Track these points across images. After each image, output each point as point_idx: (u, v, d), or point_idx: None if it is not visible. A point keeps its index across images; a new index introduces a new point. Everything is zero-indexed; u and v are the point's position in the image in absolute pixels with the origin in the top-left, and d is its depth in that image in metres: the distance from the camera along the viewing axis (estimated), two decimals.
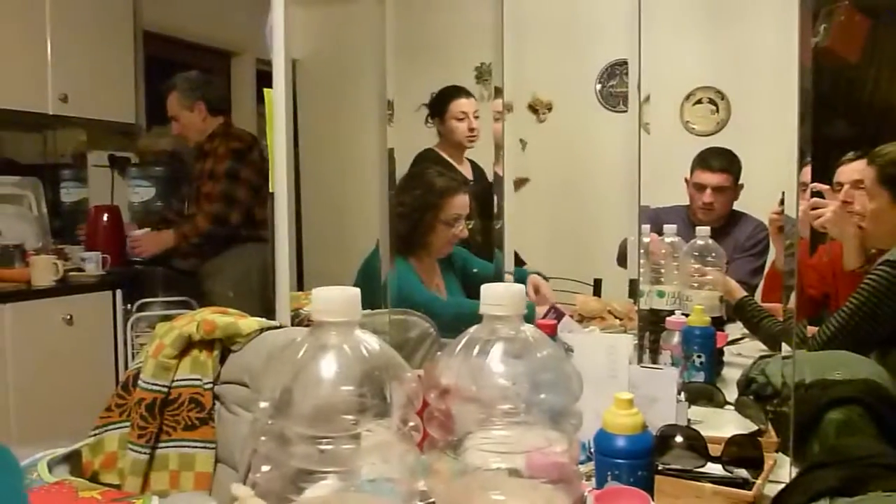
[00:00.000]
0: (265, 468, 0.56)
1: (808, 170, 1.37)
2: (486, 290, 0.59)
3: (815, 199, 1.93)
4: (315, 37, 2.16)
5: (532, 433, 0.66)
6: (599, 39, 3.42)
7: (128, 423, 1.33)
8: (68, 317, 2.86)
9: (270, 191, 1.61)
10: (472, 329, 0.60)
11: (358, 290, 0.58)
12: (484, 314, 0.59)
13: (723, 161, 2.48)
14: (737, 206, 2.59)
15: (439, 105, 2.89)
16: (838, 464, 0.85)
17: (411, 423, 0.58)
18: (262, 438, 0.54)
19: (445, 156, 2.84)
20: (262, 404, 0.55)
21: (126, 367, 2.82)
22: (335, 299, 0.57)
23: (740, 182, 2.62)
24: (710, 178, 2.44)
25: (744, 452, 1.01)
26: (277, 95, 1.52)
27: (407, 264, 2.10)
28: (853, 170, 2.04)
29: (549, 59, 3.14)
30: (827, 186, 2.05)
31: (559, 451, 0.67)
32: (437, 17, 3.18)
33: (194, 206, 3.05)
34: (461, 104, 2.84)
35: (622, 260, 2.08)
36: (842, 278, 1.98)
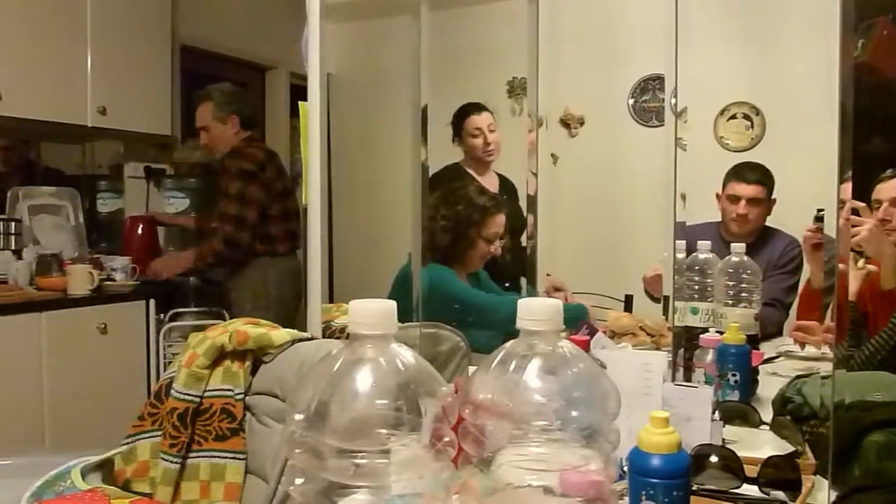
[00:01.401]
0: (299, 481, 0.56)
1: (847, 186, 1.35)
2: (524, 304, 0.58)
3: (852, 216, 1.89)
4: (349, 51, 2.18)
5: (567, 451, 0.65)
6: (632, 54, 3.40)
7: (160, 433, 1.34)
8: (102, 325, 2.90)
9: (304, 202, 1.62)
10: (508, 344, 0.60)
11: (394, 302, 0.58)
12: (521, 329, 0.59)
13: (757, 173, 2.47)
14: (769, 222, 2.57)
15: (457, 123, 2.92)
16: (882, 488, 0.83)
17: (446, 439, 0.57)
18: (297, 451, 0.54)
19: (471, 171, 2.85)
20: (297, 416, 0.55)
21: (158, 377, 2.86)
22: (372, 312, 0.57)
23: (773, 197, 2.59)
24: (745, 190, 2.43)
25: (781, 474, 0.99)
26: (312, 109, 1.53)
27: (447, 269, 2.15)
28: (892, 187, 2.00)
29: (582, 73, 3.13)
30: (864, 204, 2.02)
31: (595, 469, 0.66)
32: (470, 32, 3.19)
33: (215, 220, 3.10)
34: (474, 120, 2.86)
35: None
36: (880, 298, 1.94)
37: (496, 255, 2.26)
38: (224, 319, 2.21)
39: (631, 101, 3.48)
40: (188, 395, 1.32)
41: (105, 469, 1.27)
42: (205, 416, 1.33)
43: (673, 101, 2.00)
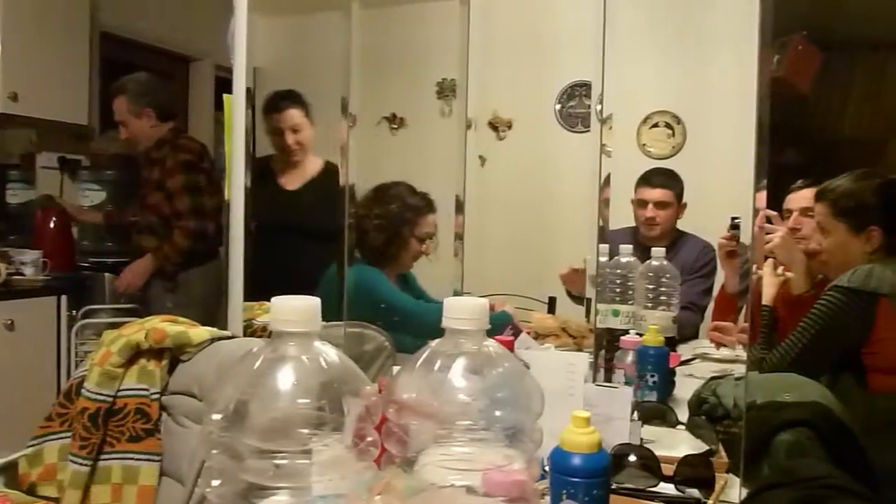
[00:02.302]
0: (216, 483, 0.54)
1: (762, 195, 1.40)
2: (450, 303, 0.58)
3: (765, 224, 1.97)
4: (277, 46, 2.14)
5: (491, 450, 0.65)
6: (560, 60, 3.46)
7: (69, 434, 1.28)
8: (9, 322, 2.76)
9: (226, 199, 1.58)
10: (434, 342, 0.59)
11: (318, 299, 0.57)
12: (447, 328, 0.58)
13: (663, 178, 2.55)
14: (687, 228, 2.65)
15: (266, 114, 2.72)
16: (790, 484, 0.86)
17: (369, 438, 0.57)
18: (214, 452, 0.52)
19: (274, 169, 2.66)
20: (215, 416, 0.53)
21: (69, 376, 2.73)
22: (295, 308, 0.55)
23: (683, 201, 2.69)
24: (651, 194, 2.51)
25: (696, 472, 1.02)
26: (237, 101, 1.50)
27: (376, 270, 2.11)
28: (802, 197, 2.09)
29: (511, 77, 3.16)
30: (776, 213, 2.10)
31: (518, 468, 0.66)
32: (401, 31, 3.19)
33: (139, 214, 2.99)
34: (274, 118, 2.49)
35: None
36: (790, 303, 2.02)
37: (427, 254, 2.26)
38: (140, 317, 2.13)
39: (558, 107, 3.54)
40: (101, 394, 1.27)
41: (8, 473, 1.21)
42: (118, 416, 1.28)
43: (599, 107, 2.04)
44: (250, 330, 1.48)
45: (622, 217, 2.65)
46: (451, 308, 0.58)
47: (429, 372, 0.58)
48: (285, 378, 0.54)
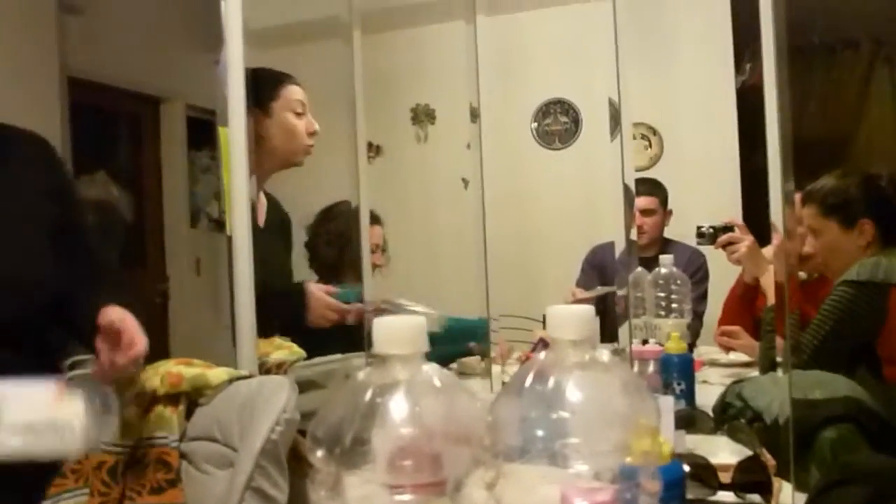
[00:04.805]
0: None
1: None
2: (555, 311, 0.55)
3: (729, 234, 1.97)
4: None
5: (574, 467, 0.62)
6: (534, 78, 3.48)
7: (85, 491, 1.22)
8: None
9: (228, 231, 1.53)
10: (541, 355, 0.57)
11: (423, 318, 0.53)
12: (554, 338, 0.56)
13: (647, 186, 2.58)
14: (673, 236, 2.67)
15: None
16: (857, 480, 0.85)
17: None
18: (322, 493, 0.49)
19: None
20: (319, 453, 0.49)
21: None
22: (400, 329, 0.52)
23: (669, 208, 2.71)
24: (637, 202, 2.54)
25: (753, 477, 1.00)
26: (235, 135, 1.46)
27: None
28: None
29: (485, 99, 3.17)
30: (742, 223, 2.08)
31: (597, 486, 0.64)
32: (377, 57, 3.18)
33: None
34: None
35: None
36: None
37: (378, 263, 2.36)
38: None
39: (535, 125, 3.56)
40: (118, 446, 1.21)
41: None
42: (137, 468, 1.22)
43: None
44: (265, 368, 1.43)
45: (604, 231, 2.65)
46: (555, 316, 0.55)
47: (536, 388, 0.55)
48: (409, 405, 0.51)
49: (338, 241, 2.32)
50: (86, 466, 1.23)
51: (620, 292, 1.51)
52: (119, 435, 1.21)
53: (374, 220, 2.35)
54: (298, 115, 1.83)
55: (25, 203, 1.31)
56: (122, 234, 3.59)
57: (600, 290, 2.06)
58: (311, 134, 1.86)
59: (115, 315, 1.17)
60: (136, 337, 1.18)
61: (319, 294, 1.76)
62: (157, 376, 1.26)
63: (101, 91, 3.61)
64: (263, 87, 1.77)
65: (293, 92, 1.84)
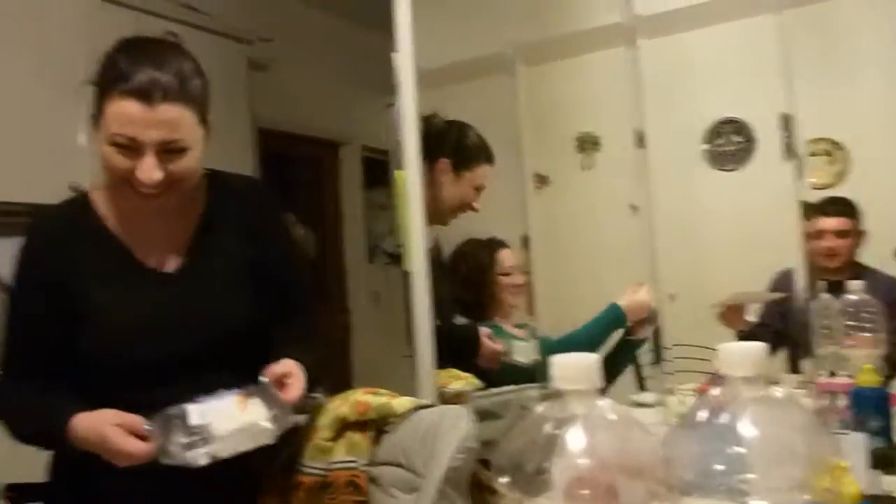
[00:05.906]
0: None
1: None
2: (726, 348, 0.56)
3: None
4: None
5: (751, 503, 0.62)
6: (701, 99, 3.39)
7: None
8: None
9: (404, 269, 1.63)
10: (716, 391, 0.58)
11: (596, 355, 0.57)
12: (728, 377, 0.57)
13: (837, 206, 2.44)
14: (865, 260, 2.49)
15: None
16: None
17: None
18: None
19: None
20: (503, 480, 0.54)
21: None
22: (576, 366, 0.55)
23: (862, 229, 2.53)
24: (830, 223, 2.40)
25: None
26: (411, 177, 1.56)
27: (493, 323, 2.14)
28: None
29: (651, 122, 3.12)
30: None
31: None
32: (539, 89, 3.23)
33: None
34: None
35: None
36: None
37: (520, 283, 2.28)
38: None
39: (706, 147, 3.45)
40: (314, 468, 1.32)
41: None
42: (330, 489, 1.32)
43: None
44: (444, 398, 1.50)
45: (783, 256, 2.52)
46: (728, 351, 0.56)
47: (712, 423, 0.56)
48: (585, 437, 0.54)
49: (469, 276, 2.25)
50: (286, 486, 1.35)
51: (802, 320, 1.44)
52: (314, 457, 1.32)
53: (500, 244, 2.32)
54: (477, 189, 2.08)
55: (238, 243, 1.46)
56: (309, 272, 3.85)
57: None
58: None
59: (285, 369, 1.26)
60: (291, 396, 1.25)
61: (486, 340, 1.87)
62: (347, 404, 1.36)
63: (286, 139, 3.93)
64: (463, 154, 2.04)
65: (484, 174, 2.09)
